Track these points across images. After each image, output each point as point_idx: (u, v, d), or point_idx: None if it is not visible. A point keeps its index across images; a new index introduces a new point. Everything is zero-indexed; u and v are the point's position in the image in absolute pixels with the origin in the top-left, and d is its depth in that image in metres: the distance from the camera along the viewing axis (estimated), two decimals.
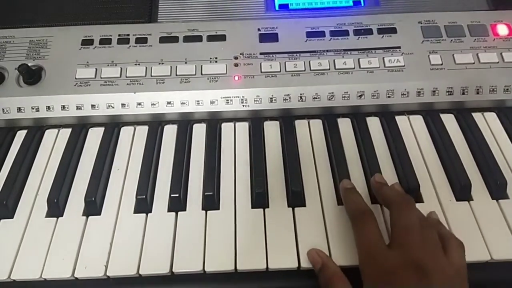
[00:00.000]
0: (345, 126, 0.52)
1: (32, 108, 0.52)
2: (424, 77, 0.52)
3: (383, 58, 0.53)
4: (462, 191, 0.45)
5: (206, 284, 0.40)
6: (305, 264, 0.40)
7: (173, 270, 0.40)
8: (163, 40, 0.55)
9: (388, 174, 0.47)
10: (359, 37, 0.55)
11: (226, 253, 0.41)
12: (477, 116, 0.52)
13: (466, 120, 0.52)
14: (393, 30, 0.55)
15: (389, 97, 0.52)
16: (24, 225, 0.44)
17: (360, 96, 0.52)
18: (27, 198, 0.46)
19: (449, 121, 0.52)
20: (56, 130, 0.53)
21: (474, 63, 0.53)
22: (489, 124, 0.52)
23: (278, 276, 0.40)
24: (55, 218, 0.44)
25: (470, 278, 0.36)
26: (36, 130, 0.52)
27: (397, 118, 0.52)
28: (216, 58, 0.53)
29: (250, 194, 0.45)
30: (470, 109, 0.53)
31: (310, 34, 0.55)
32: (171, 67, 0.53)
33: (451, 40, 0.54)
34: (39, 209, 0.45)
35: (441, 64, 0.53)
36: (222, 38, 0.55)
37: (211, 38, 0.55)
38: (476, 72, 0.52)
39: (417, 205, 0.43)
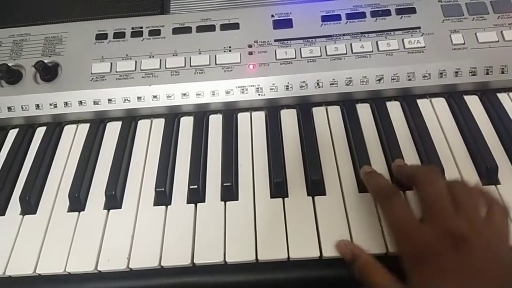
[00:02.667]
0: (364, 111, 0.51)
1: (50, 105, 0.52)
2: (446, 58, 0.50)
3: (403, 39, 0.51)
4: (488, 175, 0.43)
5: (228, 274, 0.40)
6: (327, 253, 0.39)
7: (195, 261, 0.40)
8: (176, 31, 0.54)
9: (411, 159, 0.45)
10: (376, 19, 0.53)
11: (247, 243, 0.40)
12: (502, 96, 0.50)
13: (491, 101, 0.50)
14: (412, 10, 0.53)
15: (409, 80, 0.50)
16: (47, 220, 0.44)
17: (379, 80, 0.50)
18: (49, 193, 0.47)
19: (473, 103, 0.50)
20: (74, 126, 0.53)
21: (498, 41, 0.51)
22: None
23: (300, 265, 0.40)
24: (77, 213, 0.45)
25: None
26: (55, 126, 0.53)
27: (419, 101, 0.51)
28: (230, 47, 0.53)
29: (269, 184, 0.45)
30: (495, 90, 0.51)
31: (326, 18, 0.53)
32: (185, 58, 0.52)
33: (473, 18, 0.52)
34: (61, 204, 0.46)
35: (464, 44, 0.51)
36: (235, 26, 0.54)
37: (224, 27, 0.54)
38: (501, 50, 0.50)
39: None
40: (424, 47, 0.51)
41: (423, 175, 0.38)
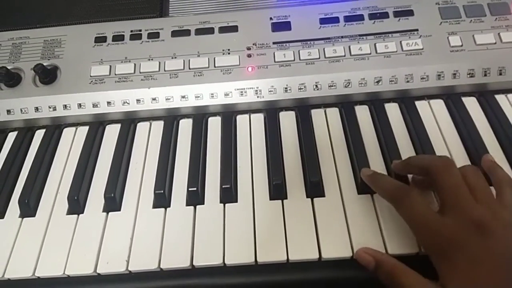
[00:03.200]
0: (363, 113, 0.51)
1: (49, 107, 0.52)
2: (444, 60, 0.50)
3: (401, 41, 0.51)
4: (487, 176, 0.43)
5: (227, 277, 0.40)
6: (326, 254, 0.39)
7: (194, 263, 0.40)
8: (175, 34, 0.55)
9: None
10: (374, 21, 0.53)
11: (246, 245, 0.41)
12: (500, 98, 0.50)
13: (489, 103, 0.50)
14: (409, 13, 0.53)
15: (408, 81, 0.50)
16: (46, 223, 0.44)
17: (378, 82, 0.50)
18: (48, 196, 0.47)
19: (471, 104, 0.50)
20: (73, 129, 0.53)
21: (495, 43, 0.51)
22: None
23: (299, 267, 0.40)
24: (76, 215, 0.45)
25: None
26: (54, 129, 0.53)
27: (417, 103, 0.51)
28: (228, 49, 0.53)
29: (268, 186, 0.45)
30: (493, 91, 0.51)
31: (324, 21, 0.54)
32: (184, 60, 0.52)
33: (471, 20, 0.52)
34: (60, 206, 0.46)
35: (461, 46, 0.51)
36: (234, 29, 0.54)
37: (223, 29, 0.54)
38: (498, 52, 0.50)
39: None
40: (422, 49, 0.51)
41: (438, 166, 0.37)
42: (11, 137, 0.53)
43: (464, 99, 0.51)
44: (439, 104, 0.51)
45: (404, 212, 0.37)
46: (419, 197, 0.36)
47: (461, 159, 0.46)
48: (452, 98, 0.51)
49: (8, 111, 0.52)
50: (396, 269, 0.36)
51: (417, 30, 0.52)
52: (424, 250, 0.35)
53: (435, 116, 0.50)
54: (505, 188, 0.37)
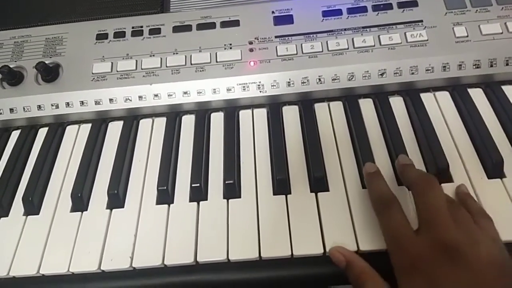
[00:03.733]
0: (367, 106, 0.50)
1: (52, 105, 0.52)
2: (449, 51, 0.49)
3: (405, 33, 0.50)
4: (494, 168, 0.43)
5: (231, 272, 0.40)
6: None
7: (198, 259, 0.40)
8: (176, 29, 0.54)
9: (415, 154, 0.45)
10: (378, 13, 0.52)
11: (250, 241, 0.40)
12: (507, 89, 0.49)
13: (495, 94, 0.49)
14: (414, 3, 0.52)
15: (412, 73, 0.49)
16: (50, 221, 0.44)
17: (382, 74, 0.50)
18: (52, 194, 0.47)
19: (478, 96, 0.49)
20: (76, 126, 0.53)
21: (502, 33, 0.50)
22: None
23: (304, 262, 0.39)
24: (79, 213, 0.45)
25: None
26: (57, 126, 0.53)
27: (422, 95, 0.50)
28: (230, 44, 0.52)
29: (272, 181, 0.45)
30: (499, 82, 0.50)
31: (326, 13, 0.53)
32: (185, 56, 0.52)
33: (476, 10, 0.52)
34: (63, 204, 0.46)
35: (467, 36, 0.50)
36: (235, 23, 0.54)
37: (225, 24, 0.54)
38: (505, 42, 0.49)
39: (448, 185, 0.42)
40: (427, 40, 0.50)
41: (423, 185, 0.37)
42: (15, 135, 0.53)
43: (470, 90, 0.50)
44: (444, 96, 0.50)
45: (381, 222, 0.38)
46: (399, 211, 0.37)
47: (467, 151, 0.45)
48: (458, 90, 0.50)
49: (11, 110, 0.52)
50: (363, 274, 0.36)
51: (421, 21, 0.51)
52: (392, 264, 0.35)
53: (440, 108, 0.49)
54: (479, 218, 0.36)
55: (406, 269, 0.34)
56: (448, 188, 0.41)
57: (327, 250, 0.39)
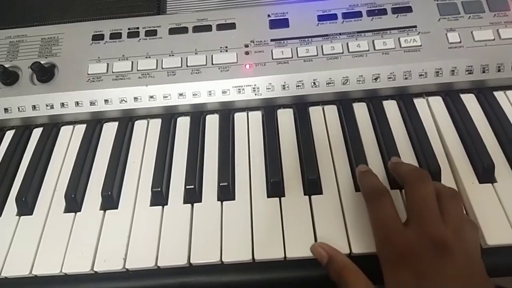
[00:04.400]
0: (361, 110, 0.51)
1: (47, 106, 0.52)
2: (442, 56, 0.50)
3: (399, 38, 0.51)
4: (485, 173, 0.43)
5: (225, 274, 0.40)
6: None
7: (191, 261, 0.40)
8: (172, 31, 0.54)
9: (408, 158, 0.45)
10: (372, 18, 0.53)
11: (243, 243, 0.40)
12: (499, 94, 0.50)
13: (487, 99, 0.50)
14: (408, 9, 0.53)
15: (406, 78, 0.50)
16: (43, 221, 0.44)
17: (376, 79, 0.50)
18: (45, 194, 0.47)
19: (470, 101, 0.50)
20: (71, 127, 0.53)
21: (494, 39, 0.50)
22: (511, 102, 0.50)
23: (297, 265, 0.40)
24: (73, 213, 0.45)
25: (494, 262, 0.35)
26: (52, 127, 0.53)
27: (415, 100, 0.50)
28: (226, 47, 0.53)
29: (266, 183, 0.45)
30: (491, 88, 0.51)
31: (322, 18, 0.53)
32: (181, 58, 0.52)
33: (469, 16, 0.52)
34: (57, 204, 0.46)
35: (460, 42, 0.51)
36: (231, 26, 0.54)
37: (221, 27, 0.54)
38: (497, 48, 0.50)
39: None
40: (421, 45, 0.51)
41: (414, 178, 0.37)
42: (9, 135, 0.53)
43: (462, 95, 0.50)
44: (437, 101, 0.51)
45: (370, 213, 0.38)
46: (389, 203, 0.37)
47: (459, 156, 0.45)
48: (450, 95, 0.51)
49: (6, 110, 0.52)
50: (345, 269, 0.36)
51: (415, 26, 0.52)
52: (379, 258, 0.35)
53: (433, 113, 0.50)
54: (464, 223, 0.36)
55: (392, 261, 0.34)
56: None
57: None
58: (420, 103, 0.50)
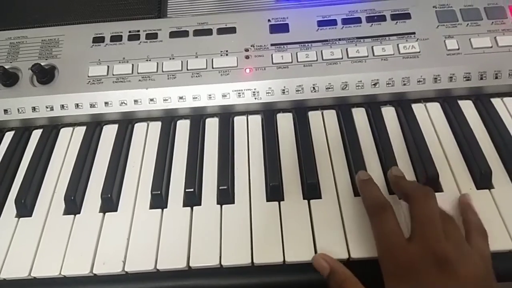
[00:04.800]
0: (359, 116, 0.51)
1: (47, 107, 0.52)
2: (441, 63, 0.50)
3: (398, 44, 0.52)
4: (482, 179, 0.44)
5: (223, 278, 0.40)
6: None
7: (190, 264, 0.40)
8: (173, 35, 0.55)
9: (406, 163, 0.46)
10: (372, 24, 0.53)
11: (243, 247, 0.41)
12: (496, 101, 0.51)
13: (485, 106, 0.50)
14: (407, 16, 0.54)
15: (404, 84, 0.50)
16: (42, 223, 0.44)
17: (375, 84, 0.51)
18: (45, 196, 0.47)
19: (467, 108, 0.50)
20: (71, 129, 0.53)
21: (492, 46, 0.51)
22: (508, 109, 0.50)
23: (296, 269, 0.40)
24: (72, 216, 0.45)
25: (493, 268, 0.35)
26: (51, 129, 0.53)
27: (414, 106, 0.51)
28: (226, 51, 0.53)
29: (265, 187, 0.45)
30: (488, 95, 0.51)
31: (322, 23, 0.54)
32: (182, 61, 0.52)
33: (468, 24, 0.53)
34: (56, 206, 0.46)
35: (458, 49, 0.51)
36: (232, 30, 0.54)
37: (221, 31, 0.55)
38: (494, 56, 0.51)
39: (437, 194, 0.42)
40: (419, 52, 0.51)
41: (418, 196, 0.38)
42: (8, 136, 0.53)
43: (460, 102, 0.51)
44: (435, 107, 0.51)
45: (373, 227, 0.38)
46: (392, 217, 0.37)
47: (456, 162, 0.46)
48: (448, 101, 0.51)
49: (5, 111, 0.52)
50: (347, 281, 0.36)
51: (414, 33, 0.53)
52: (382, 271, 0.35)
53: (431, 119, 0.50)
54: (473, 232, 0.37)
55: (395, 276, 0.34)
56: (438, 198, 0.42)
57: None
58: (418, 109, 0.51)
